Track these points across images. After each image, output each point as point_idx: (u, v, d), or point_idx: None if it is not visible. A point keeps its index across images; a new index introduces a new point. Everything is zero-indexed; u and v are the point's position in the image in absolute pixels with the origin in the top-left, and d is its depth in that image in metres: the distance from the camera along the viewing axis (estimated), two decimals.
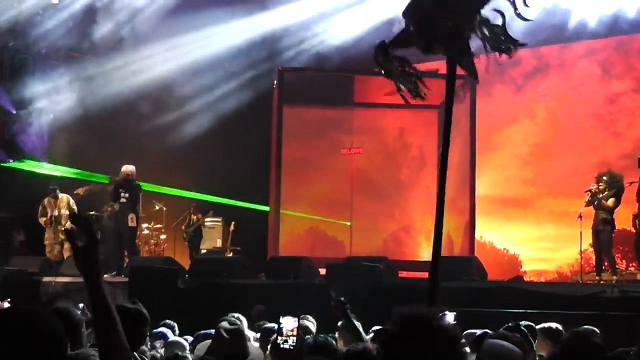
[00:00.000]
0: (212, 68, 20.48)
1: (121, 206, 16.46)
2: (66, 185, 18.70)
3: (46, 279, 15.03)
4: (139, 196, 16.90)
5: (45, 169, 19.54)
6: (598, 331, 6.70)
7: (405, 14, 4.58)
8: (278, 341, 5.30)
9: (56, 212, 17.54)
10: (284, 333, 5.25)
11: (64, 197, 17.72)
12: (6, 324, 2.64)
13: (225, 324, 5.77)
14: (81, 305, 10.04)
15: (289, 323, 5.27)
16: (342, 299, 6.36)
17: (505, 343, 5.00)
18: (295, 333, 5.21)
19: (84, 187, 19.21)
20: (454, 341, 2.55)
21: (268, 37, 20.12)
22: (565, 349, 4.47)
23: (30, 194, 18.26)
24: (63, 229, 17.30)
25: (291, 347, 5.17)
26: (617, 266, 15.73)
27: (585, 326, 4.70)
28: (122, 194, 16.38)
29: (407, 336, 2.54)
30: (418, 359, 2.49)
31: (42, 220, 17.71)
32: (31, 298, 13.97)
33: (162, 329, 8.18)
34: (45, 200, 17.71)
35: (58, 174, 19.33)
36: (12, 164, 19.30)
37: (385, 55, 4.58)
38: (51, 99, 19.62)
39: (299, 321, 5.28)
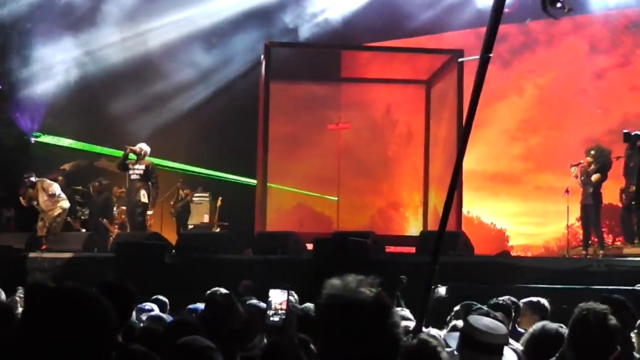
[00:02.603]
0: (202, 42, 20.44)
1: (133, 181, 16.65)
2: (55, 159, 18.63)
3: (32, 255, 14.96)
4: (155, 174, 16.84)
5: (34, 143, 19.49)
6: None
7: None
8: (267, 315, 5.17)
9: (34, 203, 17.38)
10: (273, 307, 5.11)
11: (38, 183, 17.48)
12: (58, 304, 2.56)
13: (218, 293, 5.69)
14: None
15: (277, 297, 5.14)
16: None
17: (489, 319, 5.00)
18: (284, 307, 5.08)
19: (70, 162, 19.15)
20: (380, 311, 2.48)
21: (256, 12, 20.01)
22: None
23: (19, 170, 18.15)
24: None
25: (281, 321, 5.04)
26: (604, 241, 15.80)
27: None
28: (135, 169, 16.54)
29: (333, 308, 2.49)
30: (343, 330, 2.44)
31: (23, 201, 17.61)
32: (16, 274, 13.89)
33: (148, 304, 8.16)
34: (29, 191, 17.50)
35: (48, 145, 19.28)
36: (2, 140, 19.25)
37: None
38: (37, 74, 19.52)
39: (288, 295, 5.15)
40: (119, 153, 17.97)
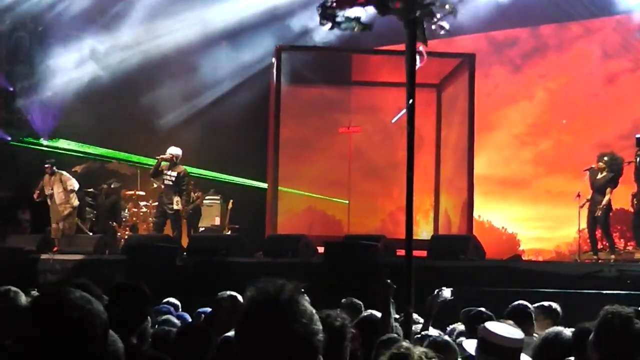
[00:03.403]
0: (213, 45, 20.48)
1: (166, 187, 16.73)
2: (67, 162, 18.68)
3: (44, 256, 15.00)
4: (186, 182, 16.90)
5: (47, 146, 19.55)
6: None
7: None
8: None
9: (51, 190, 17.47)
10: None
11: (58, 174, 17.61)
12: (52, 309, 2.59)
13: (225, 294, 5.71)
14: None
15: None
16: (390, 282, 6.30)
17: (505, 326, 5.02)
18: None
19: (82, 164, 19.20)
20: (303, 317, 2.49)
21: (268, 16, 20.03)
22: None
23: (33, 172, 18.21)
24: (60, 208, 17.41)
25: None
26: (615, 246, 15.74)
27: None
28: (167, 176, 16.57)
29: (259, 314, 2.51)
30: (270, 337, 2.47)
31: (35, 194, 17.68)
32: (28, 276, 13.93)
33: (164, 306, 8.19)
34: (45, 178, 17.64)
35: (59, 151, 19.33)
36: (15, 142, 19.32)
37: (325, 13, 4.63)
38: (49, 76, 19.58)
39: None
40: (130, 157, 18.08)
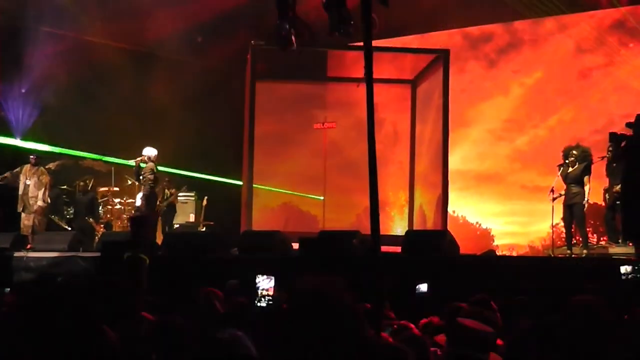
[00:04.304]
0: (186, 40, 20.44)
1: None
2: (41, 158, 18.62)
3: (18, 254, 14.90)
4: (145, 175, 17.01)
5: (19, 144, 19.46)
6: None
7: None
8: (255, 301, 5.23)
9: (27, 181, 17.50)
10: (259, 293, 5.17)
11: (40, 168, 17.76)
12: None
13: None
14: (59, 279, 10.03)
15: (264, 282, 5.20)
16: None
17: (475, 323, 5.04)
18: (271, 292, 5.14)
19: (55, 161, 19.11)
20: (346, 313, 2.56)
21: (243, 11, 19.99)
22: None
23: (4, 170, 18.12)
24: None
25: (268, 306, 5.09)
26: (588, 240, 15.83)
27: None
28: (141, 175, 17.05)
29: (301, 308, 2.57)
30: (310, 330, 2.51)
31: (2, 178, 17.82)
32: (1, 274, 13.84)
33: None
34: (26, 167, 17.72)
35: (34, 148, 19.27)
36: None
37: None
38: (24, 74, 19.47)
39: (275, 281, 5.20)
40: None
